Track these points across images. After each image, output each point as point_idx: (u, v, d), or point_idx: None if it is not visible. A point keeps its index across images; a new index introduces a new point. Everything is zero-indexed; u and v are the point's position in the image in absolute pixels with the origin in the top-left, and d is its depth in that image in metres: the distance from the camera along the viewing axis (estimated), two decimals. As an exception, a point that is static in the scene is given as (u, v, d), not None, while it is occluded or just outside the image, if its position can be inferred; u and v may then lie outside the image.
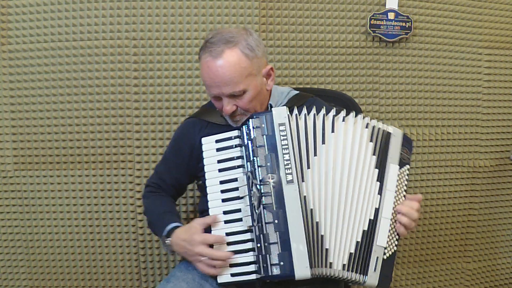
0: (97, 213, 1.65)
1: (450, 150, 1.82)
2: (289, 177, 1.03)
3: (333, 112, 1.12)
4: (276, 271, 1.00)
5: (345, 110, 1.14)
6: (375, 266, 1.06)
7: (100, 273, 1.69)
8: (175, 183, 1.36)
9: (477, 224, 1.89)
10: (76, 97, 1.60)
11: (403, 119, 1.77)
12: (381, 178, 1.11)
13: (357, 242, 1.07)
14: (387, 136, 1.14)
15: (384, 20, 1.68)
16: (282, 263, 1.00)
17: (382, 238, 1.08)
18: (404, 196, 1.14)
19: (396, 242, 1.11)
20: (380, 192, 1.10)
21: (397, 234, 1.11)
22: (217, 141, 1.15)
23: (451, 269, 1.89)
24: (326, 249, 1.04)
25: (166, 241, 1.16)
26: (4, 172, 1.62)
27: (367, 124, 1.13)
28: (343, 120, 1.12)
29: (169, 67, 1.61)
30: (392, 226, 1.10)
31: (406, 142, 1.16)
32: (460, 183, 1.84)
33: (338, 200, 1.07)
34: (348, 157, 1.09)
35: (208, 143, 1.15)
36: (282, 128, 1.06)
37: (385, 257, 1.08)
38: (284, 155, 1.05)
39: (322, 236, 1.04)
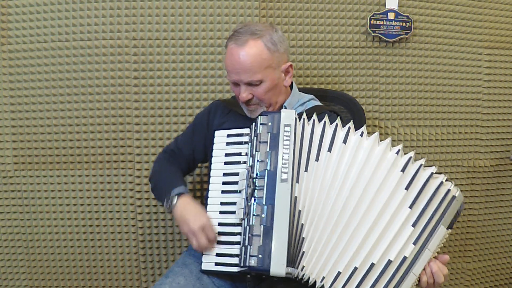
0: (97, 213, 1.65)
1: (450, 150, 1.82)
2: (284, 176, 1.05)
3: (350, 124, 1.10)
4: (253, 262, 1.01)
5: (364, 127, 1.10)
6: None
7: (100, 273, 1.69)
8: (190, 156, 1.40)
9: (477, 224, 1.89)
10: (76, 97, 1.60)
11: (403, 119, 1.77)
12: (422, 231, 1.02)
13: (355, 267, 1.01)
14: (450, 198, 1.04)
15: (384, 20, 1.68)
16: (260, 256, 1.00)
17: None
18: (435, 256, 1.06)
19: None
20: (415, 243, 1.01)
21: None
22: (228, 136, 1.22)
23: (451, 269, 1.89)
24: (303, 252, 1.02)
25: (173, 201, 1.17)
26: (4, 172, 1.62)
27: (404, 155, 1.05)
28: (361, 135, 1.08)
29: (169, 67, 1.61)
30: (416, 283, 1.03)
31: (460, 208, 1.08)
32: (460, 183, 1.84)
33: (331, 208, 1.03)
34: (366, 174, 1.04)
35: (220, 136, 1.23)
36: (287, 129, 1.09)
37: None
38: (284, 155, 1.07)
39: (303, 238, 1.03)
